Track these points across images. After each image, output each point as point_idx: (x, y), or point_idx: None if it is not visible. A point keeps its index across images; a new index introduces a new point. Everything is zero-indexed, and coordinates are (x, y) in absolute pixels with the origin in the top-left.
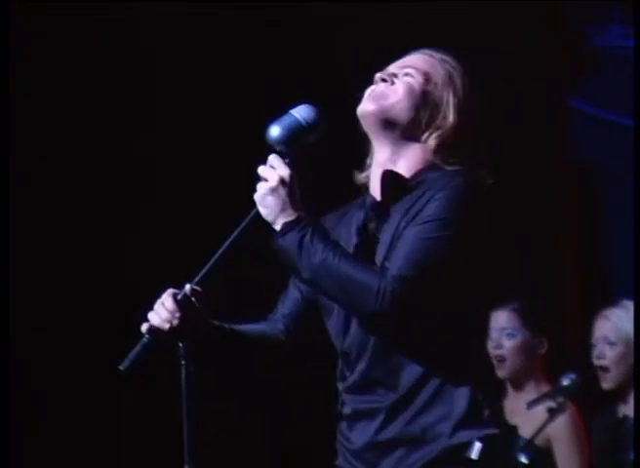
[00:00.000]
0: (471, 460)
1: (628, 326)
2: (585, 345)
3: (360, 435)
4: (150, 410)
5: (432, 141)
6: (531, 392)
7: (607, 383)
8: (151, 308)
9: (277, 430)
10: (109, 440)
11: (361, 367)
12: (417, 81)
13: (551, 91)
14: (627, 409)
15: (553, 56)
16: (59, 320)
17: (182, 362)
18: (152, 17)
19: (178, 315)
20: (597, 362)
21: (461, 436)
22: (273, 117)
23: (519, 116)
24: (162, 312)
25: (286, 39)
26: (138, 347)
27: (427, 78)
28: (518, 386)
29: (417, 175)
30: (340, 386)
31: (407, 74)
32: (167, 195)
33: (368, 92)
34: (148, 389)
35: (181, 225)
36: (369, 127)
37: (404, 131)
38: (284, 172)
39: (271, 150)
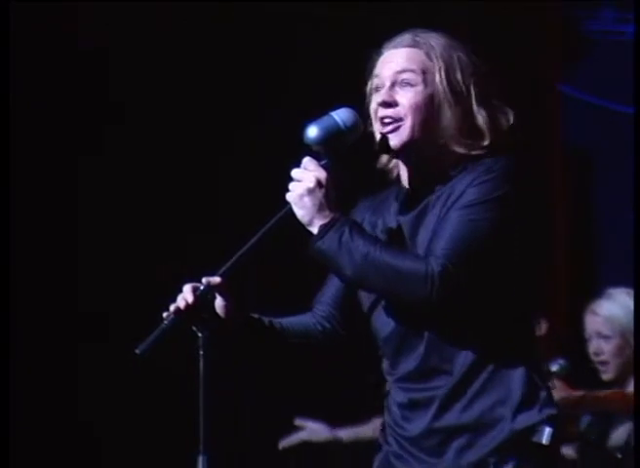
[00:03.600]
0: (542, 445)
1: (621, 315)
2: (575, 331)
3: (417, 422)
4: (165, 400)
5: (453, 132)
6: None
7: (606, 375)
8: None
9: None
10: (124, 430)
11: (416, 355)
12: (418, 90)
13: (542, 76)
14: None
15: (544, 40)
16: (62, 314)
17: (201, 351)
18: (152, 17)
19: (190, 301)
20: (595, 358)
21: (524, 419)
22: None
23: (509, 101)
24: (181, 304)
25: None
26: (156, 332)
27: (426, 78)
28: None
29: (454, 165)
30: (390, 376)
31: (406, 83)
32: (168, 192)
33: (377, 125)
34: (163, 379)
35: (185, 224)
36: (396, 156)
37: (429, 140)
38: (320, 173)
39: (303, 151)
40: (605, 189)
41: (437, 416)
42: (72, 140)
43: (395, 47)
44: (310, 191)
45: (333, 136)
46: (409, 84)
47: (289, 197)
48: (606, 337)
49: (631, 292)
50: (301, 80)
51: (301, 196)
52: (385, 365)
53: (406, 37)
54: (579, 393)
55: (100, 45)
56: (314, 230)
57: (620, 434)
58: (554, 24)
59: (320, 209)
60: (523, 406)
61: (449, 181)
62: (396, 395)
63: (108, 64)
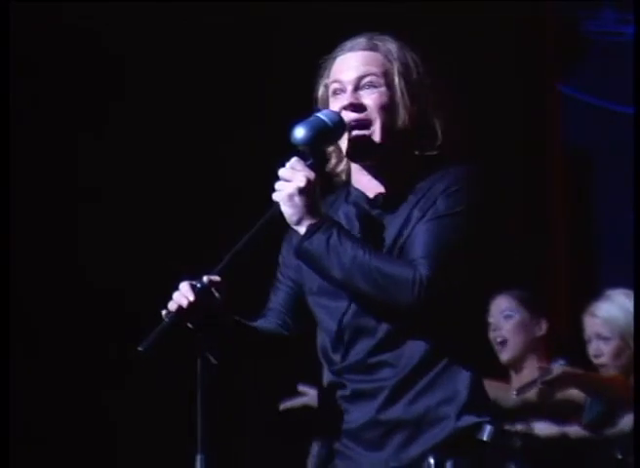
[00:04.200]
0: (483, 442)
1: (620, 317)
2: (575, 331)
3: (359, 414)
4: (163, 399)
5: (410, 133)
6: (532, 374)
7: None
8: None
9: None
10: (123, 429)
11: (367, 347)
12: (382, 92)
13: (542, 76)
14: None
15: (544, 40)
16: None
17: (199, 350)
18: (153, 17)
19: (192, 299)
20: (595, 360)
21: (467, 419)
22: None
23: (510, 102)
24: (179, 298)
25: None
26: (156, 330)
27: (387, 80)
28: (520, 368)
29: (413, 168)
30: (333, 367)
31: (370, 85)
32: (166, 192)
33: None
34: (161, 378)
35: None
36: (359, 161)
37: (391, 141)
38: (309, 173)
39: (289, 152)
40: (605, 189)
41: (383, 408)
42: (72, 140)
43: (352, 50)
44: (301, 191)
45: (321, 134)
46: (373, 86)
47: (277, 196)
48: (605, 339)
49: (630, 293)
50: (302, 80)
51: (292, 196)
52: (327, 357)
53: (361, 40)
54: (580, 371)
55: (100, 45)
56: (302, 230)
57: (624, 424)
58: (554, 24)
59: (309, 209)
60: (467, 407)
61: (411, 186)
62: (336, 387)
63: (108, 65)
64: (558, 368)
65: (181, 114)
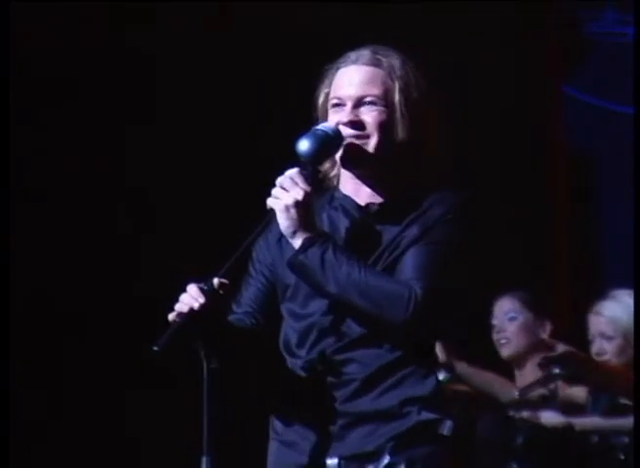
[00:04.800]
0: (442, 436)
1: (624, 317)
2: (577, 332)
3: (323, 406)
4: (169, 400)
5: (406, 148)
6: (536, 375)
7: None
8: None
9: None
10: (128, 430)
11: (335, 344)
12: (381, 110)
13: (543, 76)
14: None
15: (545, 41)
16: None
17: (204, 351)
18: (154, 17)
19: (202, 301)
20: (598, 358)
21: (429, 415)
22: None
23: (510, 102)
24: (190, 301)
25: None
26: (169, 330)
27: (387, 98)
28: (523, 368)
29: (407, 183)
30: (297, 360)
31: (370, 103)
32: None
33: (342, 149)
34: (166, 379)
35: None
36: (352, 169)
37: (386, 156)
38: (307, 186)
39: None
40: (605, 189)
41: (348, 401)
42: (72, 140)
43: (355, 63)
44: (298, 204)
45: (325, 147)
46: (373, 104)
47: (274, 204)
48: (609, 338)
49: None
50: (302, 81)
51: (289, 207)
52: (289, 350)
53: (365, 54)
54: (583, 353)
55: (101, 45)
56: (297, 243)
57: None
58: (555, 25)
59: (305, 222)
60: (431, 406)
61: (405, 200)
62: (300, 379)
63: (108, 65)
64: (563, 346)
65: (182, 115)
